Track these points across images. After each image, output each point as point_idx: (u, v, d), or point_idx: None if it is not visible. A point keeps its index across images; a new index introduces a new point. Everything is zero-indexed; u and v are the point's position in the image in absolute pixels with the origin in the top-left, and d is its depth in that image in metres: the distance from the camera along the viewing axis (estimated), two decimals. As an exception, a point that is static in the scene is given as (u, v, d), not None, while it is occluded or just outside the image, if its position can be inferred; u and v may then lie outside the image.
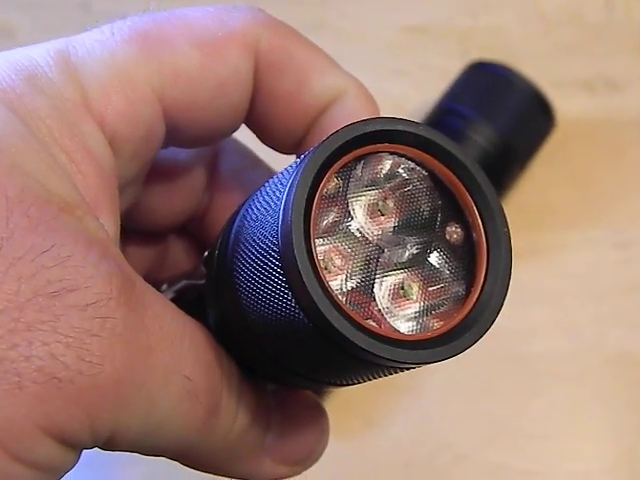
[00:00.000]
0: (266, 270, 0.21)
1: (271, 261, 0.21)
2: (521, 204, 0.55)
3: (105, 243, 0.22)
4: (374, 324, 0.21)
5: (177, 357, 0.23)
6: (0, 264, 0.20)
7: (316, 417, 0.28)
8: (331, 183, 0.22)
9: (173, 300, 0.30)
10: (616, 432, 0.52)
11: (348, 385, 0.25)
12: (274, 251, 0.21)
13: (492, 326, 0.22)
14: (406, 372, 0.23)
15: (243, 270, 0.23)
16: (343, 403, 0.51)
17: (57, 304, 0.20)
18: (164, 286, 0.30)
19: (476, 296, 0.22)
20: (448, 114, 0.53)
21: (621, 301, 0.54)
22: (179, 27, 0.25)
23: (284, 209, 0.21)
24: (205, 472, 0.26)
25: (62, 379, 0.20)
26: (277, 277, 0.21)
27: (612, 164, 0.57)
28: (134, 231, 0.31)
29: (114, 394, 0.21)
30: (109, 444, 0.22)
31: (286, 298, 0.21)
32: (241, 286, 0.23)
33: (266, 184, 0.23)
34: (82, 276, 0.21)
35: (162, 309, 0.23)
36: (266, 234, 0.22)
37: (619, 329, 0.54)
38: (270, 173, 0.31)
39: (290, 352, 0.23)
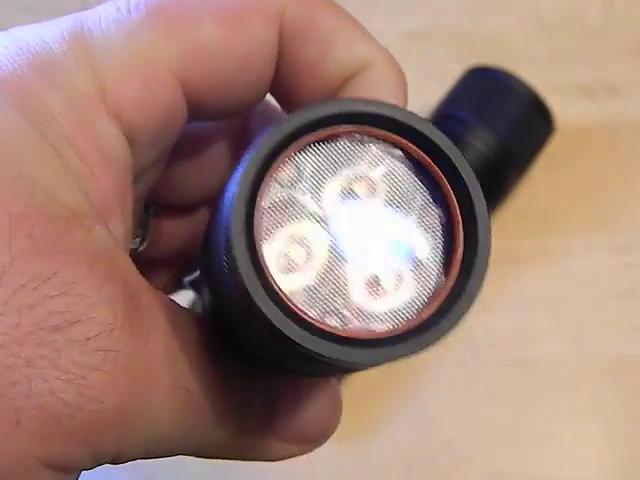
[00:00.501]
0: (220, 263, 0.21)
1: (222, 257, 0.20)
2: (521, 209, 0.55)
3: (112, 255, 0.21)
4: (337, 320, 0.20)
5: (181, 372, 0.22)
6: (0, 294, 0.19)
7: (326, 393, 0.26)
8: (289, 167, 0.21)
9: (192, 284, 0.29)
10: (616, 437, 0.52)
11: (322, 376, 0.25)
12: (222, 244, 0.20)
13: (460, 323, 0.20)
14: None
15: (210, 258, 0.22)
16: (345, 407, 0.50)
17: (58, 338, 0.19)
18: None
19: (448, 290, 0.21)
20: (447, 119, 0.53)
21: (622, 306, 0.54)
22: (199, 1, 0.24)
23: (228, 199, 0.19)
24: (215, 459, 0.26)
25: (62, 416, 0.20)
26: (227, 273, 0.20)
27: (613, 169, 0.57)
28: (166, 206, 0.30)
29: (116, 423, 0.21)
30: (112, 462, 0.22)
31: (237, 298, 0.20)
32: (210, 273, 0.22)
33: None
34: (85, 305, 0.20)
35: (169, 321, 0.22)
36: (220, 231, 0.20)
37: (620, 334, 0.53)
38: None
39: (259, 346, 0.23)
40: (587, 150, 0.57)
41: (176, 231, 0.31)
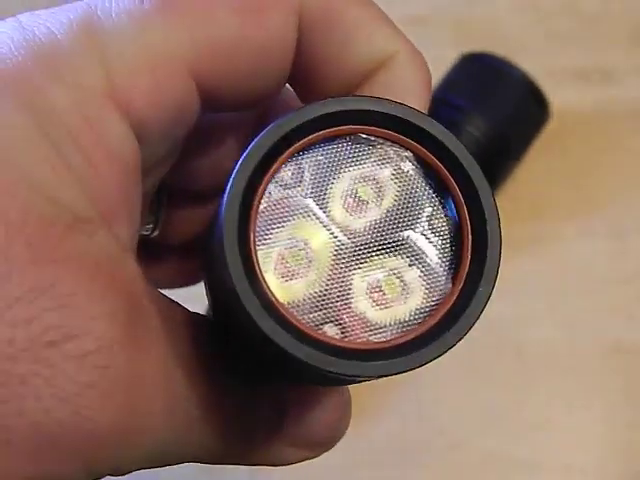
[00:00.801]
0: (215, 270, 0.20)
1: (217, 262, 0.19)
2: (516, 195, 0.55)
3: (115, 263, 0.20)
4: (337, 330, 0.19)
5: (183, 385, 0.22)
6: None
7: (335, 396, 0.25)
8: (290, 168, 0.20)
9: None
10: (612, 423, 0.52)
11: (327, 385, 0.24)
12: (217, 247, 0.19)
13: (467, 333, 0.19)
14: None
15: (207, 257, 0.21)
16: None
17: (54, 354, 0.19)
18: None
19: (452, 301, 0.20)
20: (442, 105, 0.52)
21: (618, 292, 0.54)
22: None
23: (220, 205, 0.19)
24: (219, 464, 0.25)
25: (56, 435, 0.19)
26: (222, 281, 0.19)
27: (608, 155, 0.57)
28: (180, 193, 0.29)
29: (112, 441, 0.20)
30: (110, 475, 0.21)
31: (230, 303, 0.19)
32: (205, 269, 0.22)
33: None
34: (84, 319, 0.19)
35: (171, 332, 0.21)
36: (215, 227, 0.20)
37: (616, 320, 0.54)
38: None
39: (254, 355, 0.22)
40: (582, 136, 0.57)
41: (188, 219, 0.30)
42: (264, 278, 0.19)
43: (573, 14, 0.59)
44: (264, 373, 0.24)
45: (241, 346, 0.23)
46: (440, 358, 0.19)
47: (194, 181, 0.29)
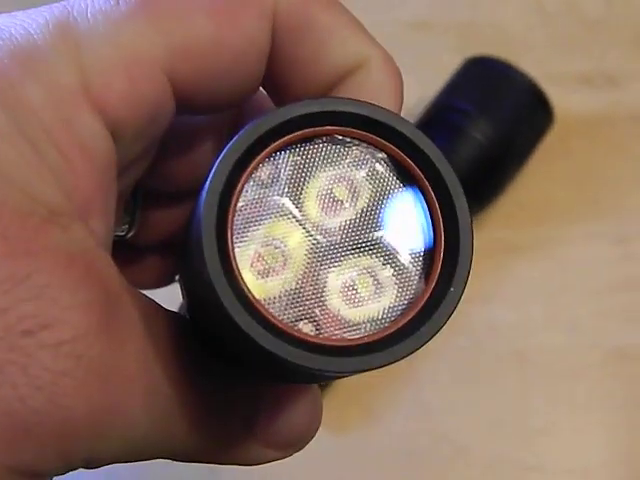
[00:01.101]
0: (192, 264, 0.20)
1: (195, 259, 0.19)
2: (520, 199, 0.55)
3: (90, 256, 0.21)
4: (311, 327, 0.20)
5: (158, 378, 0.22)
6: None
7: (307, 397, 0.26)
8: (267, 167, 0.20)
9: None
10: (615, 427, 0.52)
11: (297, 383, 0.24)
12: (195, 245, 0.19)
13: (438, 333, 0.20)
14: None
15: (184, 255, 0.21)
16: (342, 396, 0.51)
17: (29, 343, 0.19)
18: None
19: (427, 296, 0.20)
20: (447, 109, 0.53)
21: (621, 297, 0.54)
22: None
23: (199, 204, 0.19)
24: (193, 463, 0.26)
25: (31, 423, 0.19)
26: (199, 277, 0.19)
27: (612, 159, 0.57)
28: (155, 193, 0.30)
29: (88, 430, 0.20)
30: (86, 467, 0.21)
31: (208, 300, 0.19)
32: (182, 271, 0.22)
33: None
34: (59, 308, 0.19)
35: (146, 325, 0.22)
36: (193, 225, 0.20)
37: (618, 325, 0.54)
38: None
39: (233, 352, 0.22)
40: (586, 139, 0.57)
41: (164, 219, 0.31)
42: (241, 275, 0.19)
43: (577, 19, 0.59)
44: (238, 372, 0.24)
45: (216, 344, 0.23)
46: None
47: (169, 182, 0.29)
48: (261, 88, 0.26)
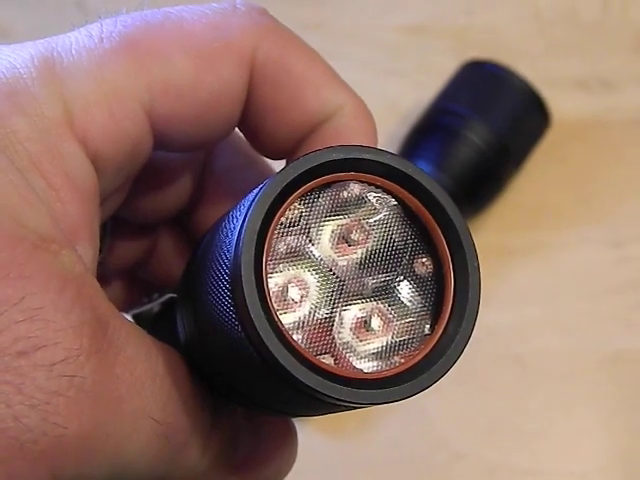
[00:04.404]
0: (220, 298, 0.21)
1: (224, 291, 0.21)
2: (517, 203, 0.56)
3: (80, 280, 0.21)
4: (330, 360, 0.21)
5: (146, 401, 0.22)
6: None
7: (286, 436, 0.27)
8: (293, 211, 0.21)
9: (160, 313, 0.29)
10: (612, 430, 0.52)
11: (304, 416, 0.25)
12: (227, 281, 0.21)
13: (454, 365, 0.21)
14: None
15: (203, 289, 0.22)
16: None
17: (23, 363, 0.19)
18: (155, 295, 0.30)
19: (437, 337, 0.21)
20: (444, 113, 0.53)
21: (616, 300, 0.54)
22: (172, 35, 0.24)
23: (236, 240, 0.20)
24: None
25: (25, 441, 0.20)
26: (229, 308, 0.20)
27: (608, 163, 0.57)
28: (125, 221, 0.31)
29: (78, 449, 0.21)
30: None
31: (237, 330, 0.20)
32: (200, 304, 0.23)
33: (241, 200, 0.23)
34: (52, 330, 0.20)
35: (135, 349, 0.22)
36: (221, 262, 0.21)
37: (614, 328, 0.54)
38: (265, 172, 0.30)
39: (245, 380, 0.23)
40: (582, 143, 0.57)
41: (130, 247, 0.32)
42: (275, 310, 0.20)
43: (573, 23, 0.59)
44: (226, 402, 0.25)
45: (215, 374, 0.24)
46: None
47: (139, 213, 0.30)
48: (237, 130, 0.27)
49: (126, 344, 0.22)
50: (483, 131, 0.51)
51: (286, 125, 0.26)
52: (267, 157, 0.28)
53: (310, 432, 0.51)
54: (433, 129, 0.53)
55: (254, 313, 0.19)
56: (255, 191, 0.21)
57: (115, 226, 0.30)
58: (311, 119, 0.25)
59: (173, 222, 0.32)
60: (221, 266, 0.21)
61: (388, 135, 0.54)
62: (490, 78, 0.53)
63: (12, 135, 0.22)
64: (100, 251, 0.30)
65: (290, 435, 0.27)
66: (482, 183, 0.53)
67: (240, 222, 0.20)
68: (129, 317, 0.31)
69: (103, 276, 0.31)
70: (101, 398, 0.21)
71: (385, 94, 0.55)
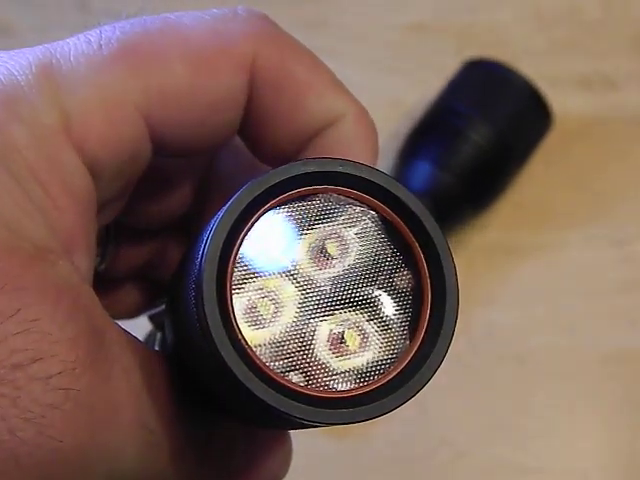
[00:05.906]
0: (189, 311, 0.21)
1: (192, 305, 0.20)
2: (519, 202, 0.55)
3: (76, 291, 0.21)
4: (300, 377, 0.20)
5: (142, 412, 0.22)
6: None
7: (280, 443, 0.27)
8: (261, 225, 0.21)
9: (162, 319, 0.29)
10: (613, 429, 0.52)
11: (283, 430, 0.25)
12: (193, 296, 0.20)
13: (425, 386, 0.21)
14: None
15: (178, 301, 0.22)
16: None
17: (19, 376, 0.19)
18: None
19: (412, 353, 0.21)
20: (446, 112, 0.53)
21: (619, 299, 0.54)
22: (171, 41, 0.24)
23: (200, 257, 0.20)
24: None
25: (20, 454, 0.19)
26: (196, 323, 0.20)
27: (610, 162, 0.57)
28: (127, 228, 0.31)
29: (75, 462, 0.20)
30: None
31: (205, 347, 0.20)
32: (176, 315, 0.23)
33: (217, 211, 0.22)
34: (48, 342, 0.20)
35: (131, 359, 0.22)
36: (191, 276, 0.21)
37: (617, 327, 0.54)
38: None
39: (220, 395, 0.23)
40: (585, 142, 0.57)
41: (135, 252, 0.32)
42: (238, 325, 0.20)
43: (575, 22, 0.59)
44: (219, 414, 0.25)
45: (201, 385, 0.24)
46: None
47: (142, 219, 0.30)
48: (237, 135, 0.27)
49: (122, 354, 0.22)
50: (485, 130, 0.51)
51: (287, 131, 0.25)
52: (268, 164, 0.27)
53: (310, 431, 0.50)
54: (435, 128, 0.53)
55: (215, 331, 0.19)
56: (225, 201, 0.20)
57: (120, 231, 0.30)
58: (313, 126, 0.25)
59: (182, 227, 0.32)
60: (190, 280, 0.21)
61: (390, 133, 0.54)
62: (492, 77, 0.53)
63: (9, 143, 0.21)
64: (103, 257, 0.30)
65: (284, 439, 0.27)
66: (484, 182, 0.53)
67: (206, 237, 0.20)
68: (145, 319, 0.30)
69: (115, 280, 0.31)
70: (97, 409, 0.21)
71: (387, 92, 0.55)
